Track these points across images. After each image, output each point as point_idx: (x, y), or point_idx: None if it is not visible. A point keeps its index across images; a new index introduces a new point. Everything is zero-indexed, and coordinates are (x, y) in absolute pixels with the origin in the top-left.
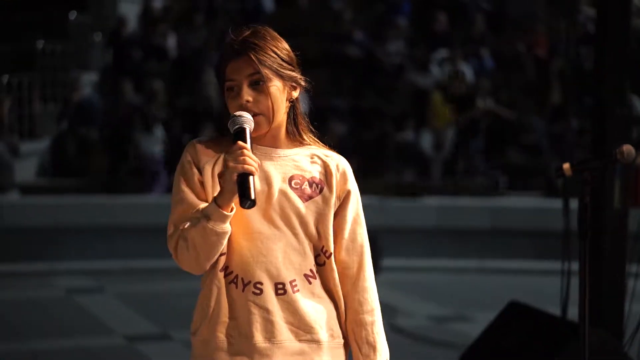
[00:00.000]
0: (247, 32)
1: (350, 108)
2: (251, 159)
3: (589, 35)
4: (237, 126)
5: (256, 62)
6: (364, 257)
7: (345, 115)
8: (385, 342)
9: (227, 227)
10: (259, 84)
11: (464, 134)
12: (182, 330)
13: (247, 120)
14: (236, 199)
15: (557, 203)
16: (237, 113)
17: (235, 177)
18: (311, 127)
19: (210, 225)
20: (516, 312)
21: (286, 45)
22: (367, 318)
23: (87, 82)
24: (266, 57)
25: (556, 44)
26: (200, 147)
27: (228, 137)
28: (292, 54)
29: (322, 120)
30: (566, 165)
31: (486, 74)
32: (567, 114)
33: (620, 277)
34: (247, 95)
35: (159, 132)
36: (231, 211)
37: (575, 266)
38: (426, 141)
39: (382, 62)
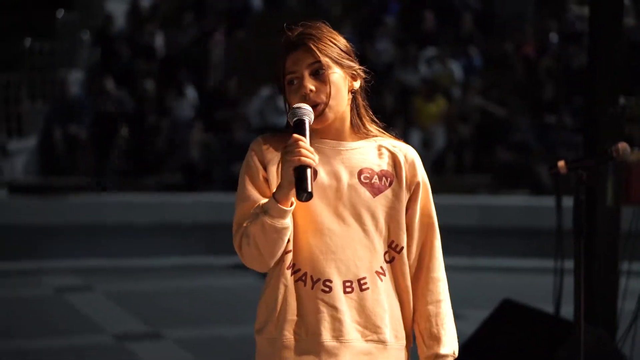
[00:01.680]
0: (301, 27)
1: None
2: (308, 151)
3: (577, 34)
4: (295, 118)
5: (316, 50)
6: (434, 248)
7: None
8: (453, 335)
9: (286, 222)
10: (319, 73)
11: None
12: (171, 328)
13: (307, 112)
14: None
15: (545, 201)
16: (296, 105)
17: (292, 170)
18: (375, 118)
19: (269, 220)
20: (510, 311)
21: (343, 39)
22: (432, 309)
23: (75, 80)
24: (325, 46)
25: (545, 43)
26: (265, 144)
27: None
28: (349, 46)
29: None
30: (561, 163)
31: (475, 73)
32: (556, 113)
33: (612, 275)
34: (310, 84)
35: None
36: (290, 206)
37: (568, 264)
38: (414, 140)
39: (370, 61)
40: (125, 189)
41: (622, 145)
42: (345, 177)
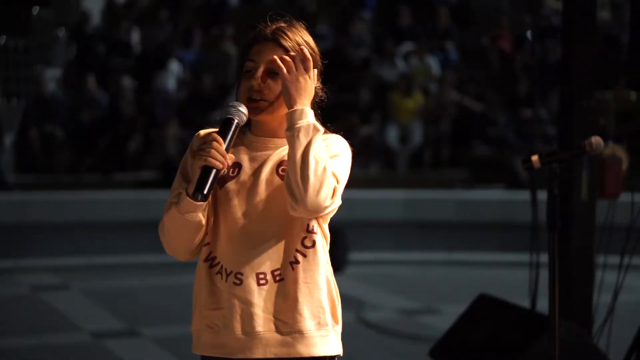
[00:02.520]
0: (282, 23)
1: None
2: (218, 154)
3: (553, 28)
4: (226, 115)
5: (282, 50)
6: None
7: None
8: (311, 136)
9: (197, 216)
10: (276, 74)
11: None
12: (149, 326)
13: (240, 113)
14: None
15: (522, 195)
16: (233, 103)
17: (199, 168)
18: (318, 119)
19: (180, 213)
20: (485, 305)
21: (313, 45)
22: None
23: (51, 77)
24: (292, 49)
25: (521, 38)
26: (203, 137)
27: (244, 127)
28: (315, 54)
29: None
30: (534, 157)
31: (451, 68)
32: (532, 107)
33: (588, 269)
34: (262, 79)
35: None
36: (198, 201)
37: (544, 258)
38: (392, 135)
39: (347, 55)
40: (103, 187)
41: (595, 140)
42: (265, 172)
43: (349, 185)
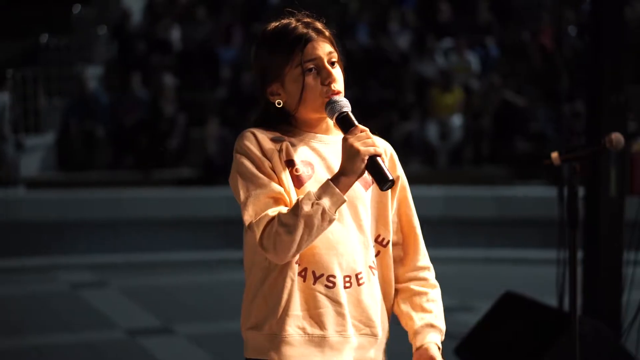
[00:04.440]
0: (302, 18)
1: (355, 99)
2: (374, 143)
3: None
4: (339, 111)
5: (333, 41)
6: (417, 239)
7: (350, 106)
8: (442, 314)
9: (337, 214)
10: (334, 64)
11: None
12: (185, 323)
13: (346, 104)
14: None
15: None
16: (334, 98)
17: (365, 160)
18: None
19: (328, 209)
20: (511, 303)
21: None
22: (422, 290)
23: (92, 76)
24: (333, 38)
25: (562, 33)
26: (261, 137)
27: (279, 128)
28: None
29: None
30: (554, 154)
31: (492, 63)
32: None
33: (617, 266)
34: (334, 73)
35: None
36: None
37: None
38: (432, 131)
39: (387, 52)
40: (143, 184)
41: (615, 136)
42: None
43: None
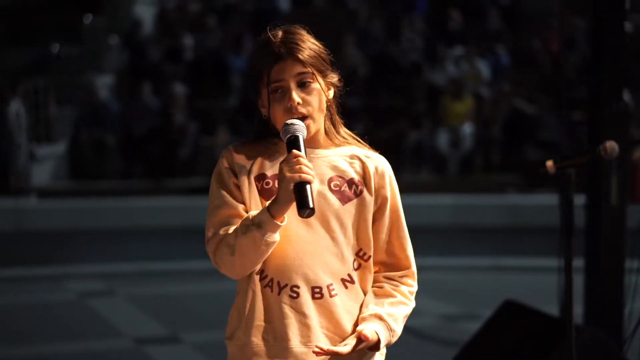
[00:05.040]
0: (284, 33)
1: (365, 107)
2: (308, 167)
3: None
4: (289, 135)
5: (305, 62)
6: (409, 259)
7: (360, 114)
8: (402, 325)
9: (277, 236)
10: (306, 85)
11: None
12: (191, 332)
13: (300, 128)
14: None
15: (575, 199)
16: (290, 121)
17: (292, 186)
18: (346, 126)
19: (262, 235)
20: (511, 311)
21: (322, 47)
22: (394, 294)
23: (103, 85)
24: (310, 57)
25: (572, 40)
26: (236, 152)
27: (265, 141)
28: (326, 53)
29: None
30: (549, 163)
31: (502, 71)
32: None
33: (618, 275)
34: (297, 96)
35: None
36: (283, 222)
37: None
38: (442, 139)
39: (397, 60)
40: (153, 193)
41: (610, 144)
42: (315, 184)
43: (399, 190)
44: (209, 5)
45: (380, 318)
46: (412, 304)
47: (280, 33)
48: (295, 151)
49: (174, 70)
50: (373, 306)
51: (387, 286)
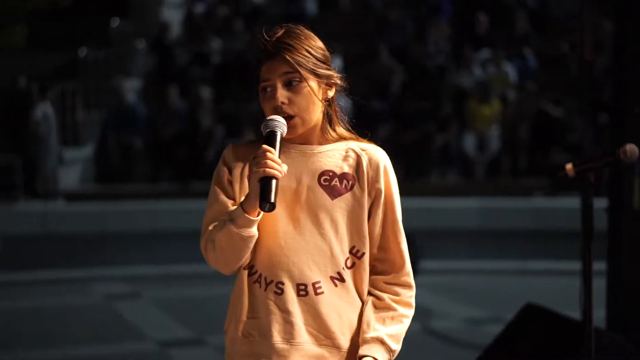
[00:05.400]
0: (281, 32)
1: (392, 110)
2: (275, 162)
3: None
4: (268, 130)
5: (291, 61)
6: (403, 255)
7: (387, 117)
8: (401, 338)
9: (252, 231)
10: (293, 84)
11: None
12: (216, 335)
13: (280, 125)
14: None
15: (602, 203)
16: (270, 117)
17: (257, 181)
18: (349, 125)
19: (236, 229)
20: (532, 315)
21: (321, 44)
22: (394, 305)
23: (130, 88)
24: (300, 57)
25: (600, 43)
26: (235, 150)
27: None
28: (326, 53)
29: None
30: (569, 166)
31: (529, 74)
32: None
33: None
34: (282, 96)
35: None
36: (258, 215)
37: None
38: (469, 142)
39: (424, 63)
40: (181, 196)
41: (630, 147)
42: (305, 180)
43: (426, 193)
44: (236, 9)
45: (382, 342)
46: (412, 311)
47: (277, 32)
48: (264, 146)
49: (201, 74)
50: (375, 325)
51: (387, 298)
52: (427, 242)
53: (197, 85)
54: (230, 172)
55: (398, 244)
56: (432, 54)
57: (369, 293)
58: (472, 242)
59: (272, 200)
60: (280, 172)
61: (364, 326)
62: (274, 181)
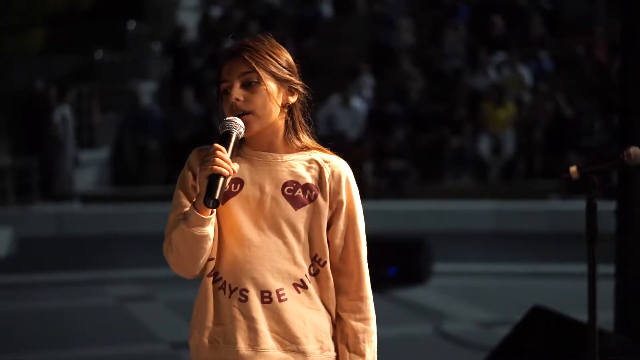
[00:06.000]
0: (247, 39)
1: (408, 113)
2: (223, 161)
3: None
4: (224, 130)
5: (250, 60)
6: (361, 266)
7: (403, 120)
8: (375, 353)
9: (205, 230)
10: (251, 84)
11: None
12: None
13: (236, 125)
14: None
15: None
16: (228, 118)
17: (205, 178)
18: (312, 134)
19: (188, 228)
20: (539, 318)
21: (286, 54)
22: (360, 326)
23: (146, 91)
24: (260, 58)
25: (615, 45)
26: (199, 154)
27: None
28: (291, 62)
29: (380, 125)
30: (573, 169)
31: (545, 77)
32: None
33: None
34: (237, 94)
35: None
36: (210, 214)
37: (603, 269)
38: (483, 145)
39: (439, 66)
40: None
41: (634, 150)
42: (269, 189)
43: (441, 196)
44: (252, 12)
45: None
46: (375, 317)
47: (244, 39)
48: (215, 145)
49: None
50: (355, 358)
51: (354, 324)
52: (441, 244)
53: (212, 88)
54: (195, 177)
55: (358, 255)
56: (448, 57)
57: (337, 315)
58: (487, 245)
59: (217, 197)
60: (228, 170)
61: (341, 358)
62: (221, 179)
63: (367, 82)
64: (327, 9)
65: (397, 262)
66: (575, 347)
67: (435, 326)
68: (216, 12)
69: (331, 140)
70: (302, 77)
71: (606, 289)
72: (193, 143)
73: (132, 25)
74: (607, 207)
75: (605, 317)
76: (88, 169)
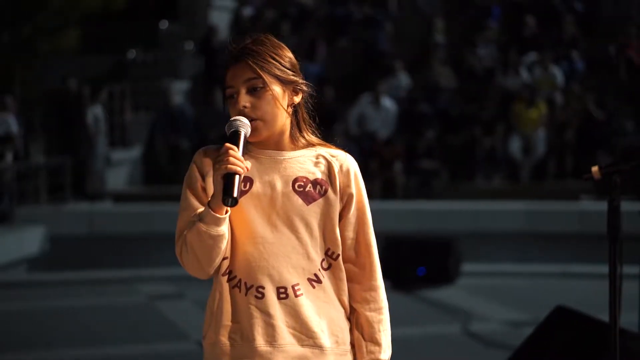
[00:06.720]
0: (248, 41)
1: (439, 113)
2: (236, 159)
3: None
4: (232, 129)
5: (254, 66)
6: (372, 257)
7: (434, 120)
8: (390, 342)
9: (221, 229)
10: (257, 90)
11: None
12: None
13: (243, 124)
14: None
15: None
16: (233, 117)
17: (220, 177)
18: (317, 131)
19: (204, 228)
20: (562, 318)
21: (288, 53)
22: (375, 316)
23: (179, 90)
24: (264, 63)
25: None
26: (205, 156)
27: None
28: (294, 61)
29: (411, 125)
30: (595, 169)
31: (577, 77)
32: None
33: None
34: (244, 100)
35: None
36: (225, 213)
37: (630, 270)
38: (515, 145)
39: (471, 66)
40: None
41: None
42: (279, 186)
43: (471, 196)
44: (284, 11)
45: None
46: (387, 305)
47: (245, 40)
48: (226, 144)
49: None
50: (371, 347)
51: (369, 315)
52: (471, 245)
53: None
54: (204, 178)
55: (368, 246)
56: (480, 57)
57: (351, 307)
58: (517, 245)
59: (235, 195)
60: (242, 169)
61: (357, 348)
62: (236, 177)
63: (403, 80)
64: (357, 9)
65: (426, 262)
66: (598, 347)
67: (463, 326)
68: (248, 11)
69: (362, 140)
70: (334, 79)
71: (632, 290)
72: (224, 142)
73: (164, 25)
74: (632, 207)
75: (631, 318)
76: (120, 168)
